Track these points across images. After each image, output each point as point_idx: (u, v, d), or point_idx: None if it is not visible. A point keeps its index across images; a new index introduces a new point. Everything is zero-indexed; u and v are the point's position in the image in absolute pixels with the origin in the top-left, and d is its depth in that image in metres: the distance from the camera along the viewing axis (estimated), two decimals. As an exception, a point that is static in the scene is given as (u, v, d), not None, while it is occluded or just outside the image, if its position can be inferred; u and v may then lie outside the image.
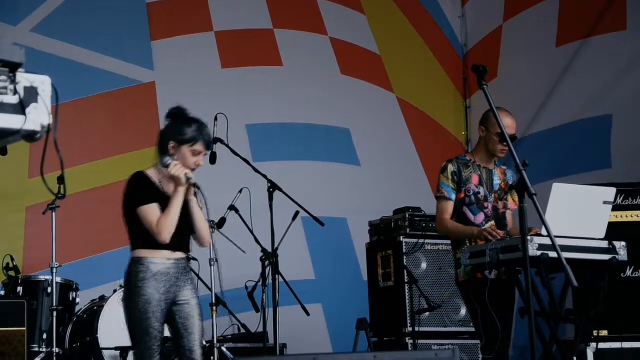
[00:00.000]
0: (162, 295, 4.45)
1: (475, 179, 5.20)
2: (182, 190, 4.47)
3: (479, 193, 5.18)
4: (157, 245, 4.46)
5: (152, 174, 4.57)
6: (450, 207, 5.19)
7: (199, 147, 4.52)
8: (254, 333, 7.10)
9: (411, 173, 9.43)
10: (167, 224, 4.43)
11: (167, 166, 4.47)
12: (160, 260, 4.48)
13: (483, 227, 5.09)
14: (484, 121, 5.22)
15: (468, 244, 5.08)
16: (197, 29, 8.88)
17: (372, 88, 9.56)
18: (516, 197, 4.87)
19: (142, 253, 4.49)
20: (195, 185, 4.52)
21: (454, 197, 5.18)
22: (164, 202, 4.48)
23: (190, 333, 4.52)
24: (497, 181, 5.27)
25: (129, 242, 4.58)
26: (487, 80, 4.54)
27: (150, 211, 4.45)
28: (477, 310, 4.93)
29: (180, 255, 4.56)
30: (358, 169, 9.27)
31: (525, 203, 4.31)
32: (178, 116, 4.60)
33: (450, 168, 5.21)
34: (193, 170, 4.53)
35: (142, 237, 4.48)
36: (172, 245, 4.50)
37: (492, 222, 5.16)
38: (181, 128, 4.53)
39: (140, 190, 4.51)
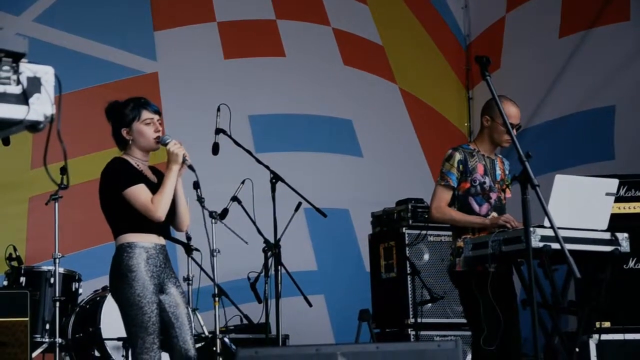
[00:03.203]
0: (154, 280, 4.34)
1: (480, 169, 5.08)
2: (176, 169, 4.40)
3: (484, 183, 5.06)
4: (145, 228, 4.36)
5: (129, 159, 4.48)
6: (449, 196, 5.05)
7: (145, 115, 4.44)
8: (257, 324, 7.10)
9: (413, 164, 9.41)
10: (162, 201, 4.34)
11: (166, 143, 4.43)
12: (149, 245, 4.37)
13: (494, 217, 5.01)
14: (488, 110, 5.04)
15: (471, 235, 5.02)
16: (199, 20, 8.86)
17: (375, 79, 9.54)
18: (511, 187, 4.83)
19: (130, 237, 4.35)
20: (190, 167, 4.46)
21: (456, 185, 5.05)
22: (148, 184, 4.40)
23: (181, 322, 4.39)
24: (498, 171, 5.17)
25: (112, 231, 4.44)
26: (490, 71, 4.52)
27: (141, 190, 4.35)
28: (476, 301, 4.86)
29: (163, 241, 4.47)
30: (360, 160, 9.26)
31: (528, 194, 4.30)
32: (113, 108, 4.53)
33: (457, 156, 5.04)
34: (161, 139, 4.44)
35: (129, 221, 4.36)
36: (158, 229, 4.41)
37: (495, 213, 5.06)
38: (121, 114, 4.46)
39: (125, 173, 4.39)
